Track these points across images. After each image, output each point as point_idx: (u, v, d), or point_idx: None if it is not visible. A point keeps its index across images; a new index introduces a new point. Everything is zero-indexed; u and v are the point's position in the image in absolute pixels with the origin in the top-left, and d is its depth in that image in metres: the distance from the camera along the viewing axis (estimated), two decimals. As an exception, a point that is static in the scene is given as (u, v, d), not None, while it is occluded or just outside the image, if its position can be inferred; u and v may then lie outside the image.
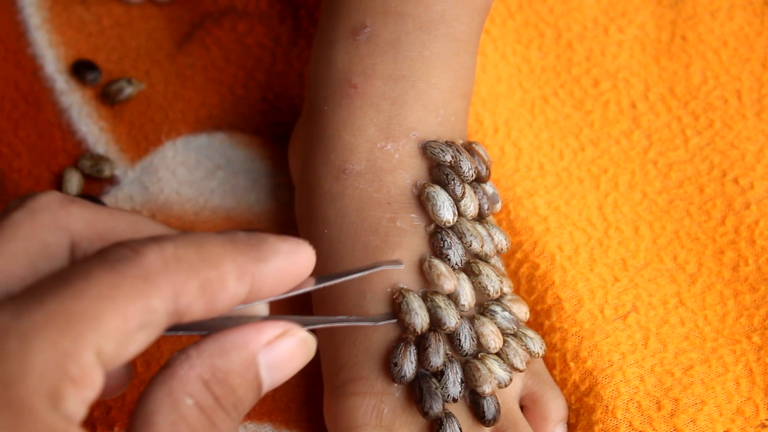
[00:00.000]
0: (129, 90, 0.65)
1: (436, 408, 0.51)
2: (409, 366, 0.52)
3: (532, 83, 0.64)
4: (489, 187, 0.57)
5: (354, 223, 0.55)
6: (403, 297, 0.53)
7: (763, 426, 0.54)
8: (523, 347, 0.54)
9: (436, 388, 0.52)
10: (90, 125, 0.65)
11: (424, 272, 0.53)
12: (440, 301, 0.53)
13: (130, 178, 0.64)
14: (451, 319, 0.52)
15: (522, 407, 0.55)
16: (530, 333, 0.55)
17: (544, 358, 0.57)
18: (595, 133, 0.63)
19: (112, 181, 0.64)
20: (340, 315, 0.53)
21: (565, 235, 0.59)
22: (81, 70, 0.66)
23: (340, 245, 0.55)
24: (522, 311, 0.55)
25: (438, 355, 0.52)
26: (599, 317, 0.57)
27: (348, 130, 0.56)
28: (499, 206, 0.58)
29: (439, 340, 0.52)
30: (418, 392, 0.52)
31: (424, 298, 0.53)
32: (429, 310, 0.53)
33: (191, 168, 0.64)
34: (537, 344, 0.55)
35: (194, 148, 0.64)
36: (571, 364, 0.56)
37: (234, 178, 0.63)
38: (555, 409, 0.55)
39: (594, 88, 0.64)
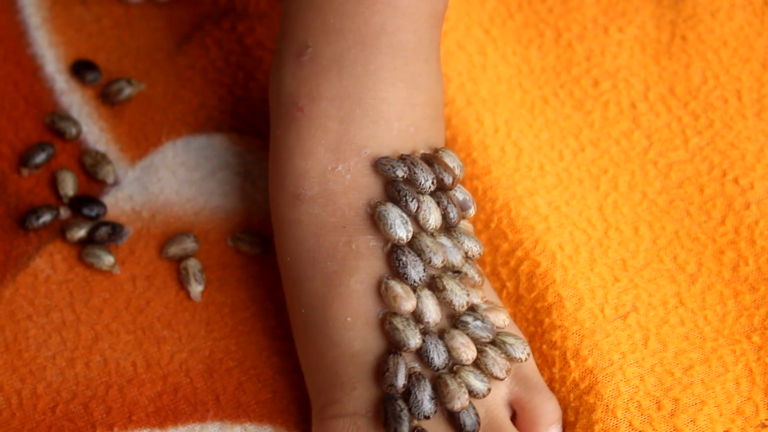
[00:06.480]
0: (129, 90, 0.65)
1: (402, 430, 0.51)
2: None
3: (532, 83, 0.65)
4: (459, 194, 0.56)
5: (311, 249, 0.54)
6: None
7: (763, 426, 0.54)
8: (503, 355, 0.53)
9: (401, 410, 0.51)
10: (90, 125, 0.65)
11: (381, 295, 0.53)
12: (398, 323, 0.52)
13: (130, 178, 0.64)
14: (409, 339, 0.52)
15: (514, 412, 0.55)
16: (510, 339, 0.54)
17: (544, 356, 0.57)
18: (595, 133, 0.63)
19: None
20: (319, 342, 0.53)
21: (565, 235, 0.59)
22: (81, 70, 0.66)
23: (302, 273, 0.54)
24: (500, 318, 0.54)
25: (397, 378, 0.51)
26: (600, 316, 0.57)
27: (298, 155, 0.55)
28: (472, 211, 0.57)
29: (399, 362, 0.52)
30: (383, 415, 0.51)
31: (383, 320, 0.53)
32: (387, 333, 0.52)
33: (191, 168, 0.64)
34: (518, 350, 0.54)
35: (194, 148, 0.64)
36: (572, 362, 0.56)
37: (234, 179, 0.63)
38: (544, 414, 0.54)
39: (594, 89, 0.64)
